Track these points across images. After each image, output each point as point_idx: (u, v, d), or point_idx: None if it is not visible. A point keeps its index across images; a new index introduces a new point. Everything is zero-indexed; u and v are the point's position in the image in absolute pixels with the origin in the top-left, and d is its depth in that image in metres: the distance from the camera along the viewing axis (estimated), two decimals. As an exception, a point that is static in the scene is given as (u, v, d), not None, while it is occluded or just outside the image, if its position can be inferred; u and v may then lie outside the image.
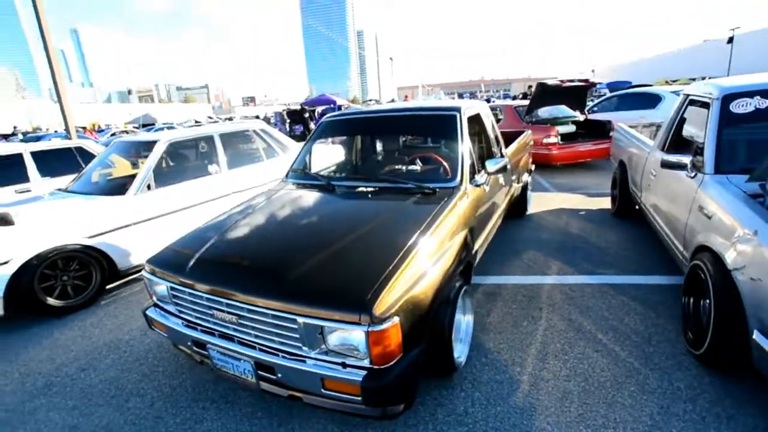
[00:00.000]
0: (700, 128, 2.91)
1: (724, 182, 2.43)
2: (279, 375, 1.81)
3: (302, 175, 3.22)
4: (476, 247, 2.74)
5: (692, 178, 2.72)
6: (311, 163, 3.44)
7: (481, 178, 2.88)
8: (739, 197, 2.21)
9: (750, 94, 2.71)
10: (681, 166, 2.80)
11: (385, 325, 1.61)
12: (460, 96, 49.76)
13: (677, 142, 3.43)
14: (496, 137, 3.76)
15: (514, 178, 4.27)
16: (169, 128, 18.19)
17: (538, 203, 5.52)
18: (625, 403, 1.98)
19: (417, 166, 3.02)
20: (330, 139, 3.80)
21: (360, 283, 1.72)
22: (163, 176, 4.21)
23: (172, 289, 2.12)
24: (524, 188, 4.76)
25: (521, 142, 4.90)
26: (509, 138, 4.93)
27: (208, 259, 2.11)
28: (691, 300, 2.39)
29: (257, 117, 33.24)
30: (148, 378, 2.45)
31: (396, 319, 1.65)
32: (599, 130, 7.81)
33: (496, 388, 2.14)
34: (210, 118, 42.13)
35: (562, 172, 7.53)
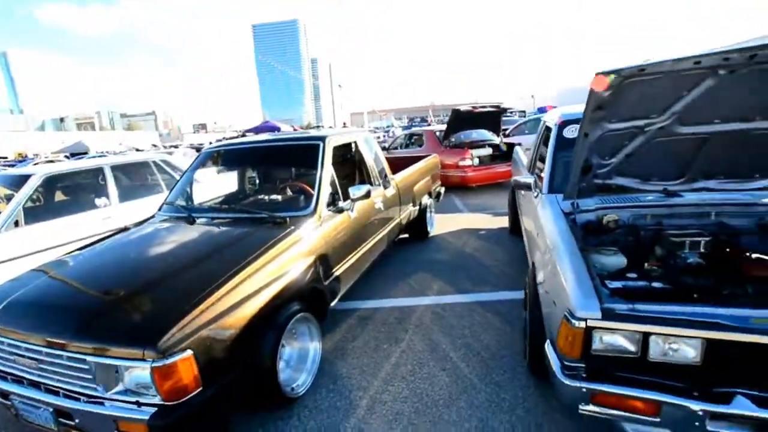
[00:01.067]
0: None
1: (552, 201, 2.64)
2: (77, 420, 1.71)
3: (171, 207, 3.15)
4: (337, 272, 2.78)
5: (536, 197, 2.94)
6: (191, 194, 3.39)
7: (346, 204, 2.95)
8: (557, 215, 2.41)
9: (579, 120, 3.00)
10: (527, 187, 3.02)
11: (173, 359, 1.57)
12: (411, 120, 51.86)
13: (538, 164, 3.71)
14: (379, 164, 3.89)
15: (408, 201, 4.41)
16: (101, 156, 17.28)
17: (446, 224, 5.71)
18: (450, 420, 2.04)
19: (280, 196, 3.05)
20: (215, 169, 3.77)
21: (150, 318, 1.69)
22: (38, 212, 3.98)
23: (-22, 336, 1.97)
24: (423, 211, 4.92)
25: (421, 166, 5.10)
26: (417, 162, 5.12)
27: (16, 302, 1.99)
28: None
29: (200, 146, 32.21)
30: (-37, 436, 2.23)
31: (188, 352, 1.62)
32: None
33: (333, 414, 2.13)
34: (154, 146, 40.61)
35: (478, 193, 7.87)
